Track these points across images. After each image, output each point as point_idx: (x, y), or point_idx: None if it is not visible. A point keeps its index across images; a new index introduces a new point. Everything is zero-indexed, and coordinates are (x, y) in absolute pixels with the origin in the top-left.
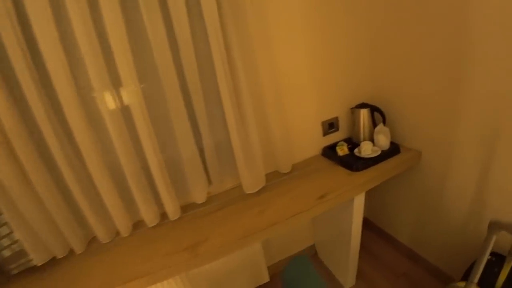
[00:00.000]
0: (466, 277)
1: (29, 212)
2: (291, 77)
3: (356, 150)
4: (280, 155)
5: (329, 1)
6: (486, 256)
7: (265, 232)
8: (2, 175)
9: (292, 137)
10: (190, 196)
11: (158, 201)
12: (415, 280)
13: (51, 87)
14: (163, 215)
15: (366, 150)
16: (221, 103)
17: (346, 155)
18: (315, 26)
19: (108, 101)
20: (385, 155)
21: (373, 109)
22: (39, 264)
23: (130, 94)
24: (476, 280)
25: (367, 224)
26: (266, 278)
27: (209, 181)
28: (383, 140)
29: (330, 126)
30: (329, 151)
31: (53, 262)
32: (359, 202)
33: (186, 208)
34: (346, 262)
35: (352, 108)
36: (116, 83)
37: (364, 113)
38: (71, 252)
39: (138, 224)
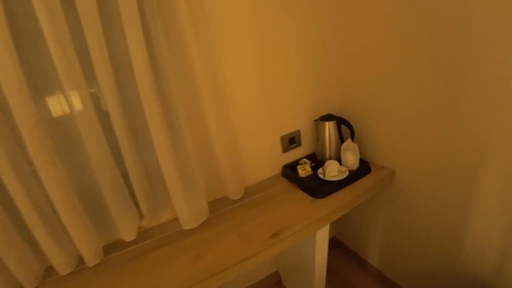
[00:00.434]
0: None
1: None
2: (238, 84)
3: (320, 171)
4: (228, 178)
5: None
6: None
7: (200, 287)
8: None
9: (243, 155)
10: (117, 232)
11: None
12: None
13: None
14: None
15: (331, 171)
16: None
17: (309, 176)
18: (269, 25)
19: None
20: (353, 177)
21: (340, 122)
22: None
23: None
24: None
25: (335, 243)
26: None
27: (141, 214)
28: (351, 158)
29: (291, 141)
30: (290, 171)
31: None
32: (322, 236)
33: (112, 247)
34: None
35: (316, 120)
36: None
37: (329, 126)
38: None
39: (50, 271)
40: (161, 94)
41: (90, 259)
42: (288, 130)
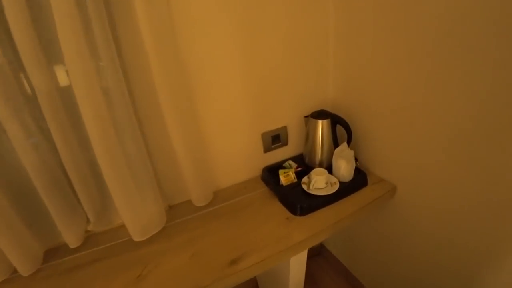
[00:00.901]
0: None
1: None
2: (210, 69)
3: (304, 180)
4: (190, 181)
5: None
6: None
7: None
8: None
9: (213, 154)
10: (61, 236)
11: None
12: None
13: None
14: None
15: (318, 183)
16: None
17: (292, 185)
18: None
19: None
20: (345, 190)
21: (336, 121)
22: None
23: None
24: None
25: (321, 251)
26: None
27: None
28: (344, 168)
29: (275, 139)
30: (270, 176)
31: None
32: (298, 261)
33: (56, 251)
34: None
35: (306, 116)
36: None
37: (322, 126)
38: None
39: None
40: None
41: (25, 268)
42: (272, 126)
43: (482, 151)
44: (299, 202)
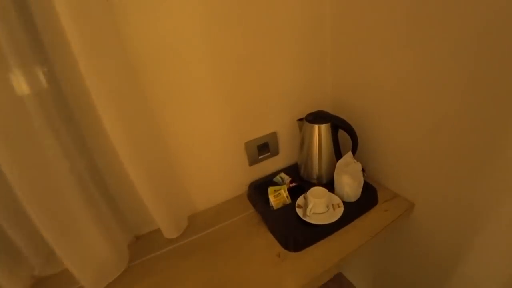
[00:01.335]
0: None
1: None
2: (169, 61)
3: (299, 202)
4: (156, 211)
5: None
6: None
7: None
8: None
9: (186, 170)
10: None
11: None
12: None
13: None
14: None
15: (316, 207)
16: None
17: (284, 208)
18: None
19: None
20: (351, 213)
21: (337, 125)
22: None
23: None
24: None
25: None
26: None
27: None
28: (350, 186)
29: (262, 149)
30: (257, 194)
31: None
32: None
33: None
34: None
35: (300, 119)
36: None
37: (320, 131)
38: None
39: None
40: None
41: None
42: (258, 132)
43: None
44: (292, 233)
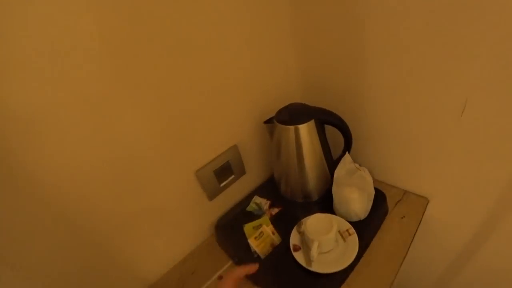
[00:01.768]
0: None
1: None
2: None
3: (294, 241)
4: None
5: None
6: None
7: None
8: None
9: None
10: None
11: None
12: None
13: None
14: None
15: (325, 246)
16: None
17: (276, 252)
18: None
19: None
20: (365, 238)
21: (323, 121)
22: None
23: None
24: None
25: None
26: None
27: None
28: (358, 201)
29: (222, 172)
30: (229, 237)
31: None
32: None
33: None
34: None
35: (268, 121)
36: None
37: (302, 133)
38: None
39: None
40: None
41: None
42: (212, 153)
43: None
44: None
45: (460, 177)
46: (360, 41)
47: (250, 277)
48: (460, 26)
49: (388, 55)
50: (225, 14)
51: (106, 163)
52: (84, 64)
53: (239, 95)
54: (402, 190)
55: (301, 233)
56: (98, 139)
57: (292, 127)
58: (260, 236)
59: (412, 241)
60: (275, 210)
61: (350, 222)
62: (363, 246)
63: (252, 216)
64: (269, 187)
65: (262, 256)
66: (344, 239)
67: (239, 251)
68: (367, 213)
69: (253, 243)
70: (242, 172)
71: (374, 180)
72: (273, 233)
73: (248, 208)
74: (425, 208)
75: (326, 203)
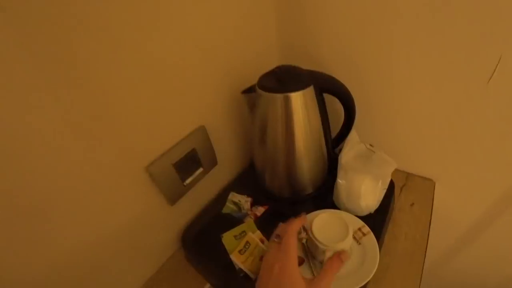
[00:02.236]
0: None
1: None
2: None
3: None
4: None
5: None
6: None
7: None
8: None
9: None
10: None
11: None
12: None
13: None
14: None
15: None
16: None
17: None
18: None
19: None
20: (377, 234)
21: (323, 88)
22: None
23: None
24: None
25: None
26: None
27: None
28: (372, 193)
29: (185, 165)
30: (202, 253)
31: None
32: None
33: None
34: None
35: (249, 90)
36: None
37: (297, 104)
38: None
39: None
40: None
41: None
42: (170, 139)
43: None
44: None
45: (469, 157)
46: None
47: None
48: None
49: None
50: None
51: None
52: None
53: (207, 62)
54: (405, 173)
55: (304, 239)
56: None
57: (281, 96)
58: (246, 248)
59: (429, 233)
60: (260, 210)
61: (363, 218)
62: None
63: (231, 221)
64: (249, 180)
65: (253, 276)
66: (357, 241)
67: (217, 271)
68: (379, 204)
69: (237, 258)
70: (213, 162)
71: None
72: (263, 241)
73: (224, 210)
74: (433, 192)
75: (323, 197)
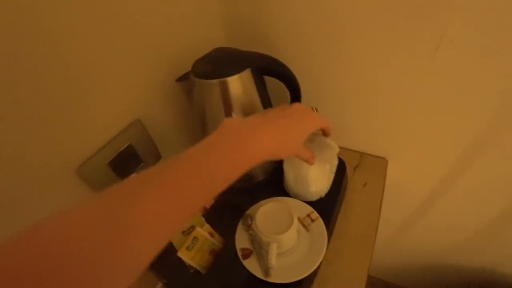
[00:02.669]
0: None
1: None
2: None
3: (241, 244)
4: None
5: None
6: None
7: None
8: None
9: None
10: None
11: None
12: None
13: None
14: None
15: (284, 245)
16: None
17: (220, 262)
18: None
19: None
20: (328, 219)
21: (262, 70)
22: None
23: None
24: None
25: None
26: None
27: None
28: (320, 177)
29: (122, 163)
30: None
31: None
32: None
33: None
34: None
35: (183, 78)
36: None
37: (233, 88)
38: None
39: None
40: None
41: None
42: (101, 136)
43: None
44: None
45: (421, 132)
46: None
47: None
48: None
49: None
50: None
51: None
52: None
53: (135, 47)
54: (359, 153)
55: (250, 230)
56: None
57: (216, 82)
58: (194, 244)
59: (380, 212)
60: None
61: (309, 203)
62: (329, 230)
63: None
64: None
65: (203, 271)
66: (306, 228)
67: (166, 268)
68: (329, 188)
69: (185, 255)
70: (156, 156)
71: None
72: (212, 235)
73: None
74: (386, 171)
75: (275, 183)
